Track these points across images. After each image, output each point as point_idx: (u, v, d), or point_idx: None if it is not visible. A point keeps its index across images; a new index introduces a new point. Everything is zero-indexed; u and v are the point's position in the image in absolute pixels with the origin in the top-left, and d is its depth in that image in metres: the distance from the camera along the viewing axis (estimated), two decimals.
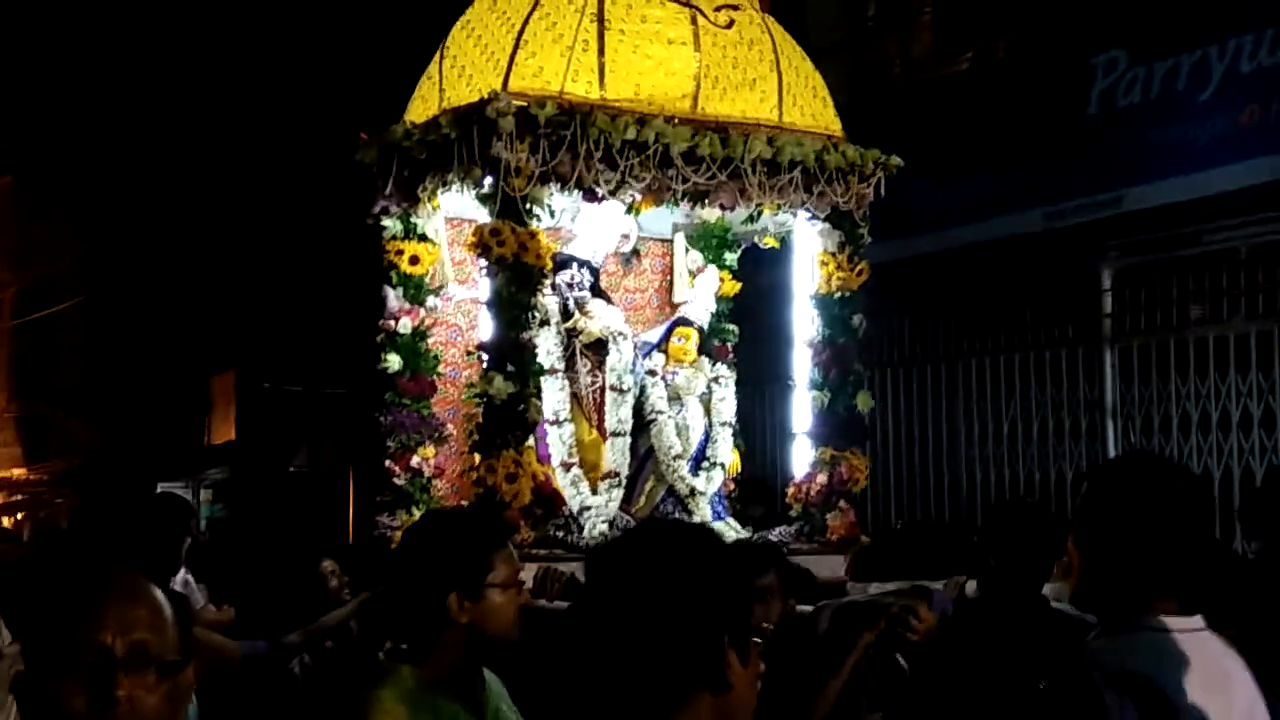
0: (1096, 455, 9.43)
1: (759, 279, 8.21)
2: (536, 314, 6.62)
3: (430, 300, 7.24)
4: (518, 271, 6.42)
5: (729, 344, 7.95)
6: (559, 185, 6.47)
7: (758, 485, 8.43)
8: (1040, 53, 10.24)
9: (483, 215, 6.60)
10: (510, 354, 6.44)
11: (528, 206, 6.39)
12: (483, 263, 6.60)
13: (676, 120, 6.67)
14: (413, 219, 7.17)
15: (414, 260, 7.19)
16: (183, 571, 7.16)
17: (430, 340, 7.27)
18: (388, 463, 7.09)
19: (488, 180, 6.37)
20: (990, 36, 10.75)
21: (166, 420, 13.55)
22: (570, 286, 7.18)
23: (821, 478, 7.22)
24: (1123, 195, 9.39)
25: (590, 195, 6.63)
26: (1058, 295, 9.81)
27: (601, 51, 6.67)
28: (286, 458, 12.22)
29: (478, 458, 6.50)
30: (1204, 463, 8.82)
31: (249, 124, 11.99)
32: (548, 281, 6.94)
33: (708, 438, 7.44)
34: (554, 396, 6.96)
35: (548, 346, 6.96)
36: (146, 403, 13.41)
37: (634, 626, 2.00)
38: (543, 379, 6.85)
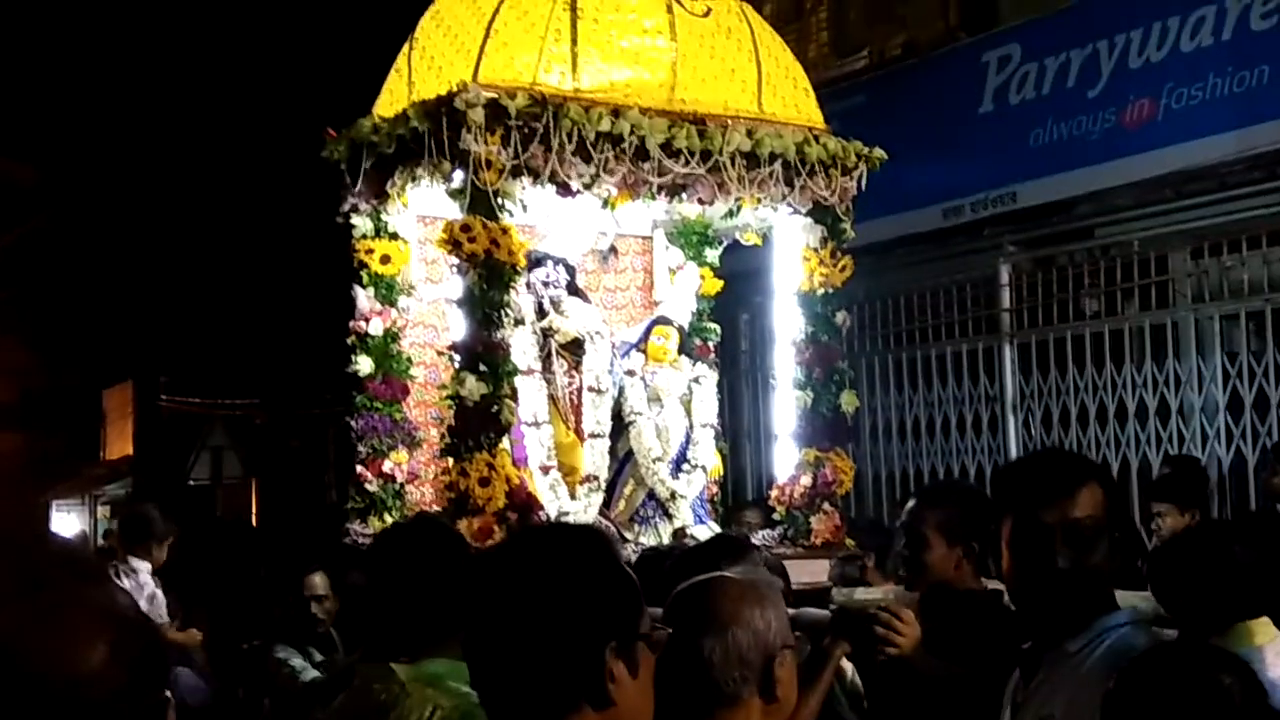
0: (998, 449, 9.51)
1: (741, 276, 8.00)
2: (510, 313, 6.35)
3: (402, 301, 6.98)
4: (490, 269, 6.14)
5: (710, 343, 7.70)
6: (531, 179, 6.19)
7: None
8: (934, 50, 10.30)
9: (454, 211, 6.32)
10: (483, 354, 6.15)
11: (499, 201, 6.10)
12: (454, 260, 6.33)
13: (652, 111, 6.42)
14: (383, 217, 6.90)
15: (385, 259, 6.93)
16: (151, 584, 6.92)
17: (405, 342, 7.04)
18: (359, 468, 6.81)
19: (458, 175, 6.10)
20: (884, 35, 10.83)
21: (58, 434, 13.22)
22: (545, 285, 6.94)
23: (805, 479, 6.96)
24: (1017, 191, 9.42)
25: (564, 189, 6.31)
26: (957, 291, 9.87)
27: (575, 41, 6.42)
28: (186, 471, 12.01)
29: (450, 461, 6.26)
30: (1102, 454, 8.84)
31: (175, 119, 11.58)
32: (522, 280, 6.70)
33: (688, 439, 7.20)
34: (531, 398, 6.73)
35: (523, 346, 6.71)
36: (37, 416, 13.07)
37: (510, 637, 1.92)
38: (519, 380, 6.57)
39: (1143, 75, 8.79)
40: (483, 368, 6.14)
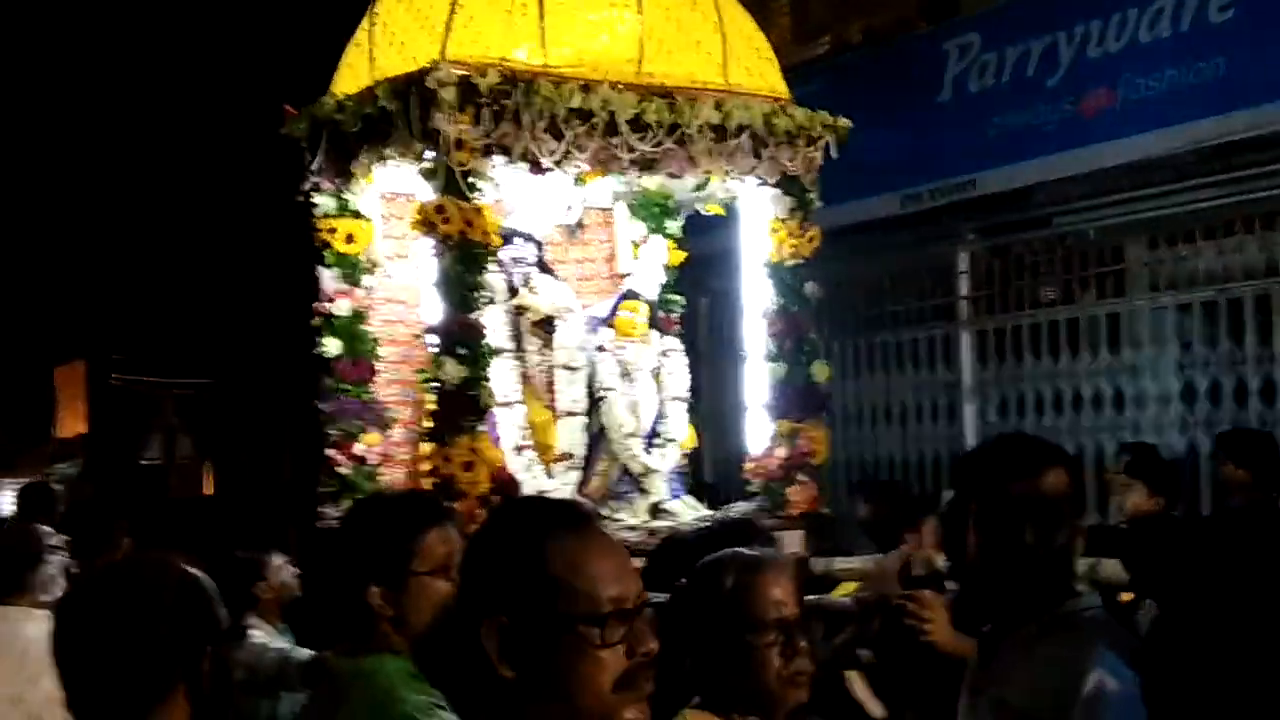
0: (955, 436, 9.62)
1: (705, 247, 8.02)
2: (486, 293, 6.32)
3: (367, 279, 6.92)
4: (465, 249, 6.10)
5: (674, 315, 7.70)
6: (505, 159, 6.17)
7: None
8: (895, 37, 10.34)
9: (419, 186, 6.34)
10: (461, 336, 6.12)
11: (471, 181, 6.05)
12: (424, 240, 6.30)
13: (621, 86, 6.40)
14: (345, 195, 6.82)
15: (349, 239, 6.83)
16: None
17: (374, 320, 6.97)
18: (330, 451, 6.78)
19: (429, 154, 6.06)
20: (846, 21, 10.91)
21: (9, 412, 13.03)
22: (515, 262, 6.94)
23: (781, 451, 7.01)
24: (976, 179, 9.45)
25: (535, 167, 6.28)
26: (915, 278, 9.94)
27: (542, 15, 6.36)
28: (139, 451, 11.84)
29: (431, 447, 6.24)
30: (1059, 441, 8.80)
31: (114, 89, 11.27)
32: (489, 258, 6.65)
33: (660, 413, 7.22)
34: (504, 378, 6.71)
35: (494, 326, 6.68)
36: None
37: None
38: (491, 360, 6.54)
39: (1101, 65, 8.81)
40: (461, 350, 6.10)
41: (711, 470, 10.32)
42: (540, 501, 2.27)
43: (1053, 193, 9.14)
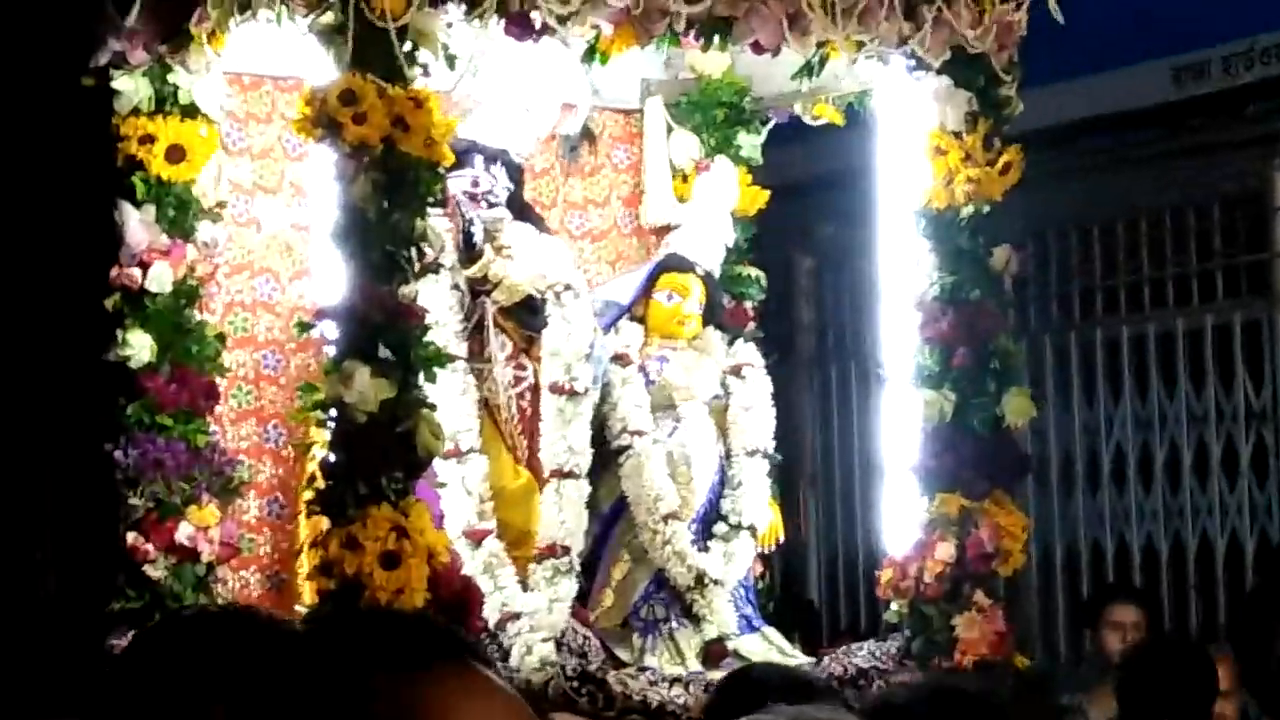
0: (1273, 503, 9.64)
1: (805, 183, 8.07)
2: (429, 249, 6.38)
3: (206, 229, 6.95)
4: (393, 170, 6.21)
5: (749, 301, 7.78)
6: (464, 8, 6.30)
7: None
8: None
9: (306, 66, 6.52)
10: (383, 327, 6.20)
11: (409, 48, 6.19)
12: (317, 155, 6.48)
13: None
14: (171, 76, 6.87)
15: (175, 153, 6.88)
16: None
17: (215, 303, 7.10)
18: (131, 536, 6.79)
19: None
20: None
21: None
22: (473, 199, 7.03)
23: (944, 549, 7.03)
24: None
25: (520, 26, 6.41)
26: (1195, 217, 9.89)
27: None
28: None
29: (318, 525, 6.30)
30: None
31: None
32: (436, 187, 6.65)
33: (724, 478, 7.31)
34: (453, 407, 6.77)
35: (437, 312, 6.76)
36: None
37: None
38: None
39: None
40: (384, 352, 6.18)
41: (816, 582, 10.36)
42: (390, 621, 2.13)
43: None
